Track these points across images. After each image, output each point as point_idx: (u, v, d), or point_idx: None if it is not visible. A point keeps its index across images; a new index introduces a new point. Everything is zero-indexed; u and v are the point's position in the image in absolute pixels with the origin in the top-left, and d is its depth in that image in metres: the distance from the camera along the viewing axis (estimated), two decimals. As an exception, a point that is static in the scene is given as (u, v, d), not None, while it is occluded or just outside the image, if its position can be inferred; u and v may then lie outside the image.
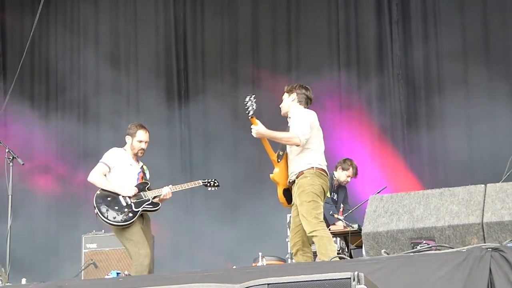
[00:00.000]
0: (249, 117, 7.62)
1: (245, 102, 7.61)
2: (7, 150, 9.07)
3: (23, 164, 9.09)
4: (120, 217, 8.31)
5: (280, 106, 8.07)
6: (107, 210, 8.41)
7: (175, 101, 13.44)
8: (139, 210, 8.39)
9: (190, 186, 8.92)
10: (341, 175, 10.37)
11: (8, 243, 8.73)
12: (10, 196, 8.94)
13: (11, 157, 9.03)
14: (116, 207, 8.38)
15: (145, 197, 8.50)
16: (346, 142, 12.19)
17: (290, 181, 7.81)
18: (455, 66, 12.05)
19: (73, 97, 13.82)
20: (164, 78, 13.60)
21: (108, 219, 8.35)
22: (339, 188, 10.42)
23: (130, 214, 8.34)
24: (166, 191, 8.59)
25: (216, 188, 9.15)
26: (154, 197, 8.54)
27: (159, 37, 13.75)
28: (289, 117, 7.96)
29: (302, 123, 7.72)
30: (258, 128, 7.65)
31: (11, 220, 8.84)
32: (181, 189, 8.80)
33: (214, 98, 13.20)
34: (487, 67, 11.84)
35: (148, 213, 8.57)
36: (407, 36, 12.54)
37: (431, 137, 12.01)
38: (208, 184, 9.09)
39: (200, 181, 9.04)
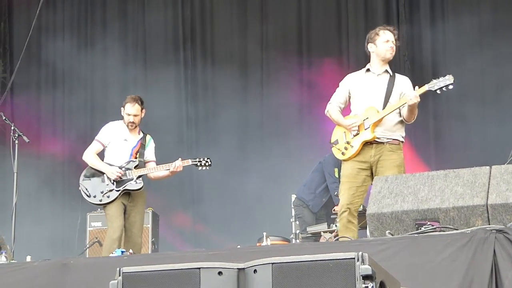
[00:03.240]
0: (432, 90, 7.33)
1: (449, 83, 7.30)
2: (12, 128, 9.08)
3: (28, 141, 9.10)
4: (100, 196, 8.47)
5: (394, 49, 7.64)
6: (89, 188, 8.53)
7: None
8: (120, 189, 8.49)
9: (184, 165, 8.84)
10: None
11: (13, 220, 8.76)
12: (15, 174, 8.97)
13: (17, 135, 9.04)
14: (98, 186, 8.51)
15: (129, 175, 8.56)
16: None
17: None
18: (463, 49, 12.03)
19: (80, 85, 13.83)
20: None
21: (89, 198, 8.51)
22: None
23: (110, 193, 8.45)
24: (178, 164, 8.64)
25: (207, 167, 9.04)
26: (138, 177, 8.59)
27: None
28: (389, 73, 7.66)
29: None
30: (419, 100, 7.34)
31: (16, 198, 8.87)
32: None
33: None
34: (495, 51, 11.80)
35: (134, 192, 8.62)
36: (414, 19, 12.53)
37: (437, 119, 11.99)
38: (199, 164, 8.99)
39: (190, 160, 8.96)
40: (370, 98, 7.62)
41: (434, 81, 7.45)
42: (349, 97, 7.81)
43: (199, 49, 13.48)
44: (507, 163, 7.11)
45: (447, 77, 7.37)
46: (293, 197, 10.58)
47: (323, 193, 10.35)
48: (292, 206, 10.25)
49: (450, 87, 7.39)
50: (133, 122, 8.72)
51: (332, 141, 7.86)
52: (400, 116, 7.60)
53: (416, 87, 7.48)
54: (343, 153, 7.70)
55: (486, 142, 11.28)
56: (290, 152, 12.39)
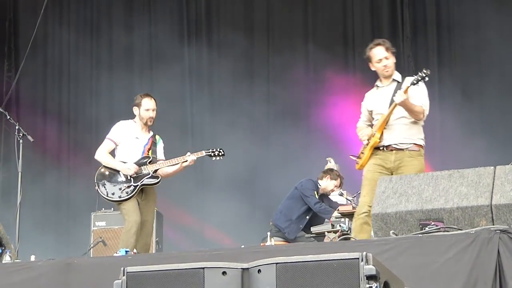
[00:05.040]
0: (410, 85, 7.42)
1: (424, 73, 7.38)
2: (17, 127, 9.07)
3: (32, 141, 9.10)
4: (119, 193, 8.43)
5: (388, 65, 7.70)
6: (106, 187, 8.52)
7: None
8: (138, 185, 8.49)
9: (196, 156, 8.85)
10: (328, 185, 10.33)
11: (18, 219, 8.76)
12: (20, 173, 8.97)
13: (21, 134, 9.04)
14: (115, 183, 8.50)
15: (145, 170, 8.56)
16: (353, 123, 12.17)
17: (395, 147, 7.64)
18: (467, 47, 12.07)
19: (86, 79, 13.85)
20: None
21: (107, 196, 8.49)
22: (323, 197, 10.34)
23: (129, 189, 8.44)
24: (191, 158, 8.65)
25: (221, 157, 9.05)
26: (155, 171, 8.59)
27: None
28: (396, 81, 7.71)
29: (427, 98, 7.64)
30: (406, 98, 7.42)
31: (21, 197, 8.86)
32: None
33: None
34: (499, 51, 11.82)
35: (149, 187, 8.61)
36: (418, 19, 12.59)
37: (442, 119, 12.00)
38: (213, 154, 9.00)
39: (204, 152, 8.96)
40: (381, 109, 7.73)
41: (409, 78, 7.59)
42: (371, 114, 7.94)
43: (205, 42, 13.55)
44: (511, 164, 7.09)
45: (424, 71, 7.45)
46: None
47: (299, 220, 10.24)
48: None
49: (426, 79, 7.45)
50: (152, 117, 8.73)
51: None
52: (411, 118, 7.66)
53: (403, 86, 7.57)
54: (357, 163, 7.86)
55: (491, 142, 11.29)
56: (298, 141, 12.47)
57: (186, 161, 8.68)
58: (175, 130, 12.96)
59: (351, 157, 7.99)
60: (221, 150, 9.00)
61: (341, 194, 9.66)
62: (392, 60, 7.72)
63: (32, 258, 7.81)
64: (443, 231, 6.16)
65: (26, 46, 12.98)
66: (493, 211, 6.22)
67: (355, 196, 9.63)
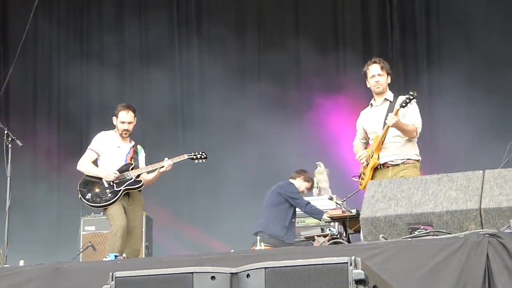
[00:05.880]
0: (399, 107, 7.69)
1: (411, 95, 7.66)
2: (6, 132, 9.05)
3: (21, 145, 9.08)
4: (102, 199, 8.45)
5: (380, 82, 7.99)
6: (88, 194, 8.54)
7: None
8: (121, 189, 8.49)
9: (175, 161, 8.84)
10: (301, 185, 10.28)
11: (7, 224, 8.73)
12: (8, 178, 8.94)
13: (10, 139, 9.01)
14: (98, 190, 8.52)
15: (128, 176, 8.57)
16: (343, 127, 12.20)
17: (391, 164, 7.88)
18: (456, 54, 12.11)
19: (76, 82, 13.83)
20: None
21: (92, 203, 8.51)
22: None
23: (111, 195, 8.46)
24: (167, 163, 8.64)
25: (204, 160, 9.05)
26: (138, 176, 8.60)
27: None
28: (389, 100, 7.96)
29: (419, 116, 7.90)
30: (398, 119, 7.70)
31: (9, 202, 8.83)
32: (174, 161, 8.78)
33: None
34: (487, 60, 11.86)
35: (136, 193, 8.62)
36: (407, 23, 12.62)
37: (431, 124, 12.01)
38: (195, 157, 8.99)
39: (185, 155, 8.96)
40: (375, 128, 8.01)
41: (401, 97, 7.85)
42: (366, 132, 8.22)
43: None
44: (500, 167, 7.12)
45: (411, 92, 7.73)
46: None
47: (292, 224, 10.19)
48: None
49: (414, 100, 7.76)
50: (127, 130, 8.74)
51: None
52: (405, 137, 7.91)
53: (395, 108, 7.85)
54: (360, 184, 8.12)
55: (480, 146, 11.31)
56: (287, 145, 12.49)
57: (163, 166, 8.68)
58: (167, 130, 12.96)
59: (353, 178, 8.26)
60: (203, 153, 9.01)
61: (331, 199, 9.62)
62: (384, 78, 8.02)
63: (21, 263, 7.79)
64: (433, 235, 6.17)
65: (15, 49, 12.96)
66: (482, 215, 6.23)
67: (344, 200, 9.61)
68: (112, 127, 8.91)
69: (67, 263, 7.18)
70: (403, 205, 6.53)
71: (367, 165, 7.96)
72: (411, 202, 6.52)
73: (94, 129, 12.86)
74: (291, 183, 10.21)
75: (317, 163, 11.01)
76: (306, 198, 10.33)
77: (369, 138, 8.14)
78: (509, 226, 5.99)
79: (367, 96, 12.46)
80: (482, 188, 6.40)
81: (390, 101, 8.00)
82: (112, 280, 4.15)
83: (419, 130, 7.92)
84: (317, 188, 10.97)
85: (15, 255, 8.99)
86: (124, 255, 8.10)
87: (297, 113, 12.85)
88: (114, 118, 8.81)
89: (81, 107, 13.74)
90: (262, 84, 13.15)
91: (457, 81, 11.91)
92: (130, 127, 8.77)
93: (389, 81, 8.05)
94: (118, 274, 4.16)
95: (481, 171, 6.58)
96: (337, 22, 13.13)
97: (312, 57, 12.86)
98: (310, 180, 10.33)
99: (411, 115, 7.89)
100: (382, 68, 8.02)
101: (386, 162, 7.88)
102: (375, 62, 8.06)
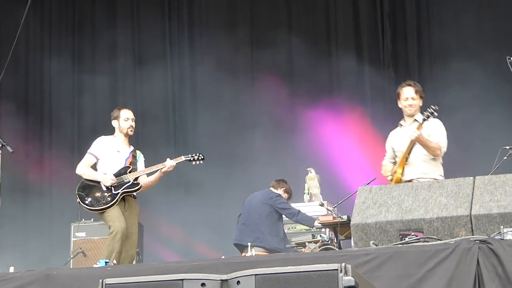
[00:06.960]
0: (422, 121, 7.80)
1: (433, 109, 7.77)
2: (-5, 138, 9.02)
3: (12, 152, 9.05)
4: (100, 202, 8.44)
5: (412, 105, 8.05)
6: (87, 198, 8.53)
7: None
8: (119, 192, 8.48)
9: (176, 162, 8.82)
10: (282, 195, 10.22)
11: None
12: (-1, 184, 8.91)
13: (1, 145, 8.98)
14: (97, 193, 8.51)
15: (126, 179, 8.56)
16: (335, 133, 12.21)
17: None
18: (448, 60, 12.12)
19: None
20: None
21: (90, 206, 8.49)
22: None
23: (109, 198, 8.44)
24: (170, 164, 8.63)
25: (201, 161, 9.01)
26: (136, 179, 8.60)
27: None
28: (417, 121, 7.98)
29: (445, 135, 7.95)
30: (420, 133, 7.77)
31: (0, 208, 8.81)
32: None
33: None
34: (480, 61, 11.87)
35: (132, 200, 8.62)
36: (398, 28, 12.65)
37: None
38: (192, 159, 8.97)
39: (183, 157, 8.95)
40: (402, 147, 8.03)
41: (423, 113, 7.93)
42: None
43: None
44: (491, 174, 7.14)
45: (432, 107, 7.83)
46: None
47: (285, 233, 10.12)
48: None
49: (435, 114, 7.82)
50: (133, 126, 8.76)
51: None
52: (429, 155, 7.93)
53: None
54: None
55: (471, 152, 11.33)
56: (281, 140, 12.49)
57: (165, 166, 8.68)
58: (159, 132, 12.95)
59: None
60: (200, 155, 8.97)
61: (322, 205, 9.62)
62: (417, 102, 8.08)
63: (11, 269, 7.76)
64: (423, 242, 6.18)
65: (6, 53, 13.00)
66: (472, 221, 6.25)
67: (335, 207, 9.61)
68: (107, 132, 8.88)
69: (57, 269, 7.15)
70: (393, 212, 6.55)
71: (391, 180, 7.96)
72: (401, 209, 6.53)
73: (86, 133, 12.92)
74: (279, 194, 10.02)
75: (308, 169, 10.98)
76: (297, 205, 10.28)
77: (396, 157, 8.18)
78: (500, 232, 6.01)
79: (358, 100, 12.59)
80: (472, 195, 6.42)
81: (419, 122, 8.02)
82: (102, 287, 4.14)
83: (444, 149, 7.92)
84: (308, 194, 10.93)
85: (5, 261, 8.98)
86: (114, 261, 8.07)
87: (290, 110, 12.84)
88: (114, 121, 8.78)
89: (73, 110, 13.70)
90: (256, 83, 13.15)
91: (448, 86, 11.92)
92: (133, 124, 8.80)
93: (421, 104, 8.10)
94: (108, 281, 4.15)
95: (471, 178, 6.60)
96: (330, 29, 13.14)
97: (305, 61, 12.85)
98: (290, 192, 10.14)
99: (437, 134, 7.93)
100: (416, 92, 8.08)
101: (411, 179, 7.82)
102: (409, 85, 8.14)
